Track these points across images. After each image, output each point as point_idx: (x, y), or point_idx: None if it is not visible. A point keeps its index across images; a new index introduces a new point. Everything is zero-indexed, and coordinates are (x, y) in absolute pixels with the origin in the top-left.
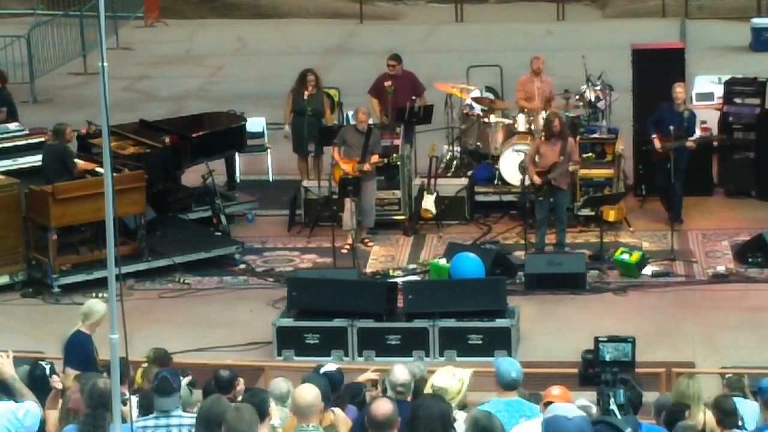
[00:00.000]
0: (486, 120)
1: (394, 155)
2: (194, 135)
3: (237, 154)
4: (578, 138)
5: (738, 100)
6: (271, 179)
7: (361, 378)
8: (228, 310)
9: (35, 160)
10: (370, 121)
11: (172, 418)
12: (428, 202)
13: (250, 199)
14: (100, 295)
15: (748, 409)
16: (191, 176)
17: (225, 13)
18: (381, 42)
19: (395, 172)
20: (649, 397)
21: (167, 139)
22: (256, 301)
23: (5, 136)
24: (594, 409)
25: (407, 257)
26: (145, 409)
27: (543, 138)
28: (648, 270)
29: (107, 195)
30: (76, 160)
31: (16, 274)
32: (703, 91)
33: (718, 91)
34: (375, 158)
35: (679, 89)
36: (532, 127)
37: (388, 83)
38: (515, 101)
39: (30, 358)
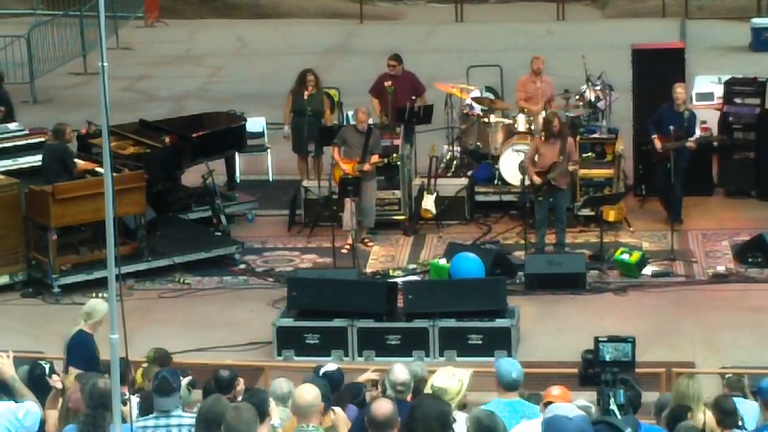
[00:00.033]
0: (486, 120)
1: (394, 155)
2: (194, 135)
3: (237, 154)
4: (578, 138)
5: (738, 100)
6: (271, 179)
7: (361, 378)
8: (228, 310)
9: (35, 160)
10: (370, 121)
11: (172, 418)
12: (428, 202)
13: (250, 199)
14: (100, 294)
15: (748, 409)
16: (191, 176)
17: (225, 13)
18: (381, 42)
19: (395, 172)
20: (649, 397)
21: (167, 139)
22: (256, 301)
23: (5, 136)
24: (594, 409)
25: (407, 257)
26: (145, 410)
27: (542, 138)
28: (648, 270)
29: (107, 195)
30: (76, 160)
31: (16, 274)
32: (703, 91)
33: (718, 91)
34: (375, 158)
35: (679, 89)
36: (532, 127)
37: (388, 83)
38: (515, 101)
39: (30, 358)
